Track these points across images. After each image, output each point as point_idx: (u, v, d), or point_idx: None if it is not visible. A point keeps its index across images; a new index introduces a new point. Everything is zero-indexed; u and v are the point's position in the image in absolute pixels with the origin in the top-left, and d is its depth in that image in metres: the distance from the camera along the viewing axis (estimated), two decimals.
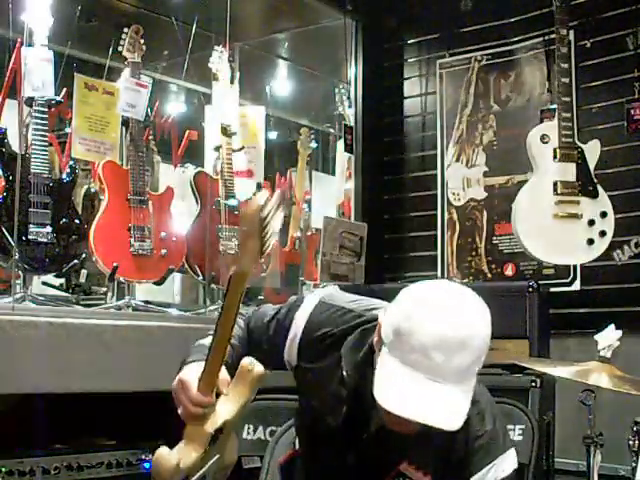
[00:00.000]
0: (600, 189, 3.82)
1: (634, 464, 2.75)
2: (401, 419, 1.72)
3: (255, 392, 1.93)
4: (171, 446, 1.87)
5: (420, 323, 1.72)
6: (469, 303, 1.79)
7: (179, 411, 1.89)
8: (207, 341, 1.92)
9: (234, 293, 1.71)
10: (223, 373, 1.87)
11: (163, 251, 3.60)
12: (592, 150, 3.83)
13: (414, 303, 1.78)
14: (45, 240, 3.19)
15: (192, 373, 1.88)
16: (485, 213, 4.71)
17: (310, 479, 2.20)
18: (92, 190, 3.62)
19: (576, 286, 4.35)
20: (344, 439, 2.01)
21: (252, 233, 1.62)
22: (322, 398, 2.05)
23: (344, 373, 1.98)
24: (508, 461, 1.97)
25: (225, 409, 1.89)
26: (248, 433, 3.05)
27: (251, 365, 1.91)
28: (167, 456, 1.82)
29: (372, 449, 1.99)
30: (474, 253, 4.71)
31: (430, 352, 1.69)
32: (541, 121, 4.02)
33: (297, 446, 2.28)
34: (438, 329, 1.70)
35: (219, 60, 4.06)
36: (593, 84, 4.32)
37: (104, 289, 3.90)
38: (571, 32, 4.02)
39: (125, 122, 3.63)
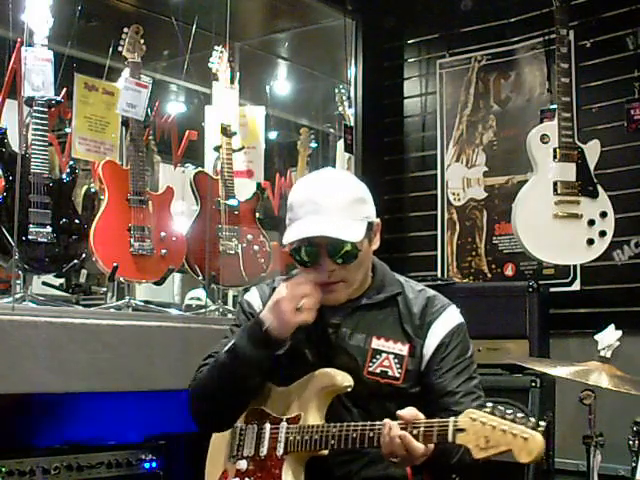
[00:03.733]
0: (600, 189, 3.81)
1: (634, 464, 2.75)
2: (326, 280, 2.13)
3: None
4: None
5: (296, 188, 2.22)
6: (326, 171, 2.30)
7: None
8: None
9: None
10: None
11: (163, 251, 3.59)
12: (592, 150, 3.83)
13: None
14: (45, 240, 3.19)
15: None
16: (485, 213, 4.71)
17: None
18: (92, 190, 3.62)
19: (576, 286, 4.35)
20: (317, 362, 2.19)
21: None
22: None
23: None
24: (454, 310, 2.27)
25: None
26: None
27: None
28: None
29: (343, 355, 2.19)
30: (474, 253, 4.72)
31: (307, 202, 2.13)
32: (541, 121, 4.02)
33: None
34: (309, 184, 2.20)
35: (219, 60, 4.06)
36: (593, 84, 4.32)
37: (104, 289, 3.90)
38: (571, 32, 4.02)
39: (125, 122, 3.63)
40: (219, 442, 2.35)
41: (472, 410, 1.88)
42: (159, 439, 3.36)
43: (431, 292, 2.30)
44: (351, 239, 2.09)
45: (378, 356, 2.17)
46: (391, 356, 2.17)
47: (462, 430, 1.86)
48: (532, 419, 1.83)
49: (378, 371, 2.17)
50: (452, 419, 1.89)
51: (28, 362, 2.75)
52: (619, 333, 2.77)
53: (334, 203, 2.10)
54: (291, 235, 2.14)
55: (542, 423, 1.82)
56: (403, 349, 2.18)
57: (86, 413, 3.35)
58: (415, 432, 1.92)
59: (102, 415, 3.38)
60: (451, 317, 2.24)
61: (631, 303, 4.09)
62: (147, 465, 3.23)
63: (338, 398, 2.19)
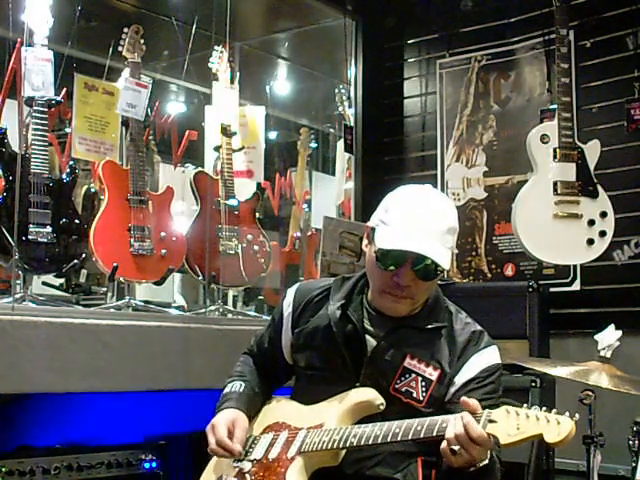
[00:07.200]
0: (600, 189, 3.82)
1: (634, 464, 2.75)
2: (396, 291, 2.15)
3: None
4: None
5: (400, 195, 2.20)
6: (432, 191, 2.24)
7: None
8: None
9: None
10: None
11: (163, 251, 3.59)
12: (592, 150, 3.83)
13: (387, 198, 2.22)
14: (45, 240, 3.19)
15: None
16: (485, 213, 4.72)
17: None
18: (92, 190, 3.62)
19: (576, 286, 4.35)
20: (349, 368, 2.22)
21: None
22: (320, 344, 2.27)
23: (328, 307, 2.26)
24: (495, 351, 2.26)
25: None
26: None
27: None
28: None
29: (374, 367, 2.20)
30: (474, 253, 4.72)
31: (413, 216, 2.13)
32: (541, 121, 4.01)
33: None
34: (416, 198, 2.19)
35: (219, 60, 4.06)
36: (593, 84, 4.32)
37: (104, 289, 3.90)
38: (571, 32, 4.02)
39: (125, 122, 3.63)
40: None
41: (508, 406, 1.91)
42: (159, 439, 3.36)
43: (478, 328, 2.30)
44: (445, 266, 2.13)
45: (407, 375, 2.18)
46: (419, 378, 2.18)
47: (494, 422, 1.88)
48: (567, 412, 1.86)
49: (403, 390, 2.18)
50: (487, 410, 1.91)
51: (28, 362, 2.75)
52: (619, 333, 2.77)
53: (438, 228, 2.13)
54: (393, 242, 2.13)
55: (577, 415, 1.86)
56: (433, 374, 2.18)
57: (86, 413, 3.35)
58: (444, 424, 1.94)
59: (102, 415, 3.38)
60: (491, 356, 2.25)
61: (631, 303, 4.09)
62: (147, 465, 3.23)
63: None
